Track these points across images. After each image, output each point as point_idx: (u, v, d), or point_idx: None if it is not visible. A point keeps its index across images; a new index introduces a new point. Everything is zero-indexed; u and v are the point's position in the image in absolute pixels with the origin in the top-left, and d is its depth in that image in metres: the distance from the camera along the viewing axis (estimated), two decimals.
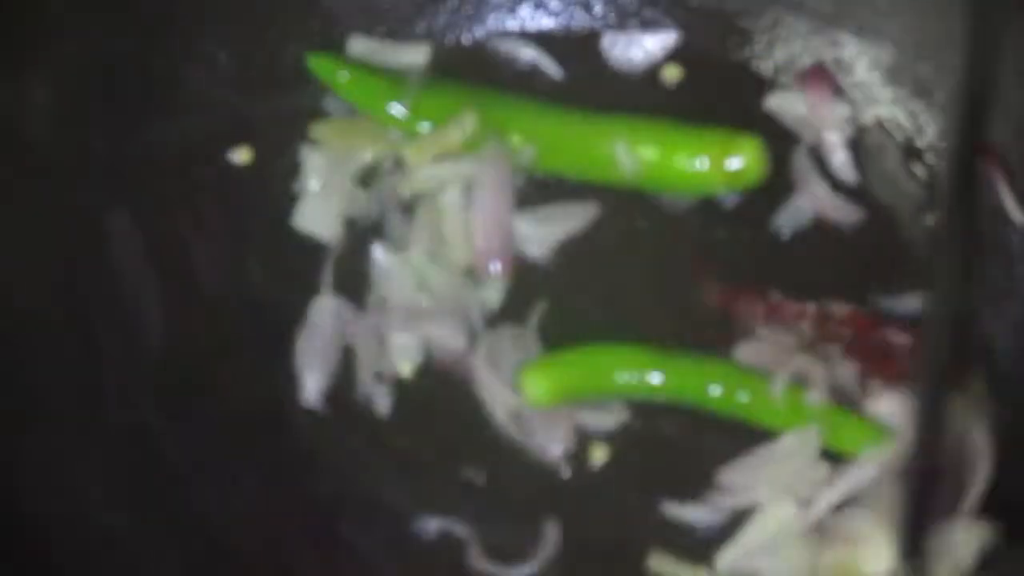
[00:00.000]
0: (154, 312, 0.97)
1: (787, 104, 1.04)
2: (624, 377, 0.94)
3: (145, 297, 0.97)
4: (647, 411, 0.94)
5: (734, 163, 0.98)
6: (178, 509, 0.92)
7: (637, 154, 0.99)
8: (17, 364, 0.91)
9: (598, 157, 1.00)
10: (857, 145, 1.03)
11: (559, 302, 0.97)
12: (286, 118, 1.03)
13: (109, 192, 0.97)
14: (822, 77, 1.04)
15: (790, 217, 1.00)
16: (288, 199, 1.01)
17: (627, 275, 1.00)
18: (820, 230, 1.00)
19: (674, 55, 1.06)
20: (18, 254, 0.93)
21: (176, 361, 0.96)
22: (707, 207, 1.01)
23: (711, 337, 0.96)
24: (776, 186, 1.01)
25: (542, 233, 1.00)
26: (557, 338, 0.96)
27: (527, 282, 0.99)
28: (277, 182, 1.02)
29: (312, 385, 0.96)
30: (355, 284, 0.99)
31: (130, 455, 0.92)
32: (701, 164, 0.98)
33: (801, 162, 1.02)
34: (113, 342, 0.95)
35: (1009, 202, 0.98)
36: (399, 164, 1.01)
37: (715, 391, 0.93)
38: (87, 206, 0.96)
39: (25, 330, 0.92)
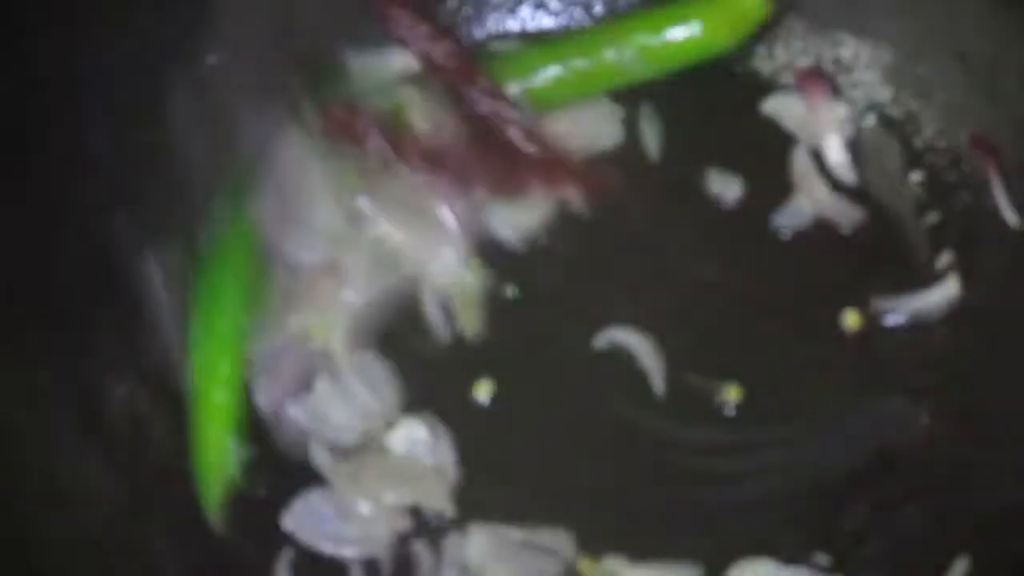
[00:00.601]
0: (154, 312, 0.97)
1: (785, 106, 1.04)
2: None
3: (145, 297, 0.97)
4: None
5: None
6: (178, 509, 0.92)
7: (636, 48, 1.01)
8: (17, 364, 0.91)
9: (602, 69, 1.02)
10: (857, 145, 1.03)
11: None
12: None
13: (109, 192, 0.97)
14: (818, 79, 1.04)
15: (790, 217, 1.00)
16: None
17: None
18: (820, 230, 1.01)
19: None
20: (18, 254, 0.93)
21: (176, 361, 0.96)
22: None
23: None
24: (776, 186, 1.01)
25: (517, 219, 1.00)
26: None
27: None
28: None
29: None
30: None
31: (130, 455, 0.92)
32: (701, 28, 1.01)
33: (801, 162, 1.02)
34: (113, 342, 0.95)
35: (1004, 203, 0.98)
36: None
37: None
38: (87, 206, 0.96)
39: (25, 330, 0.92)
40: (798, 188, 1.01)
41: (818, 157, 1.02)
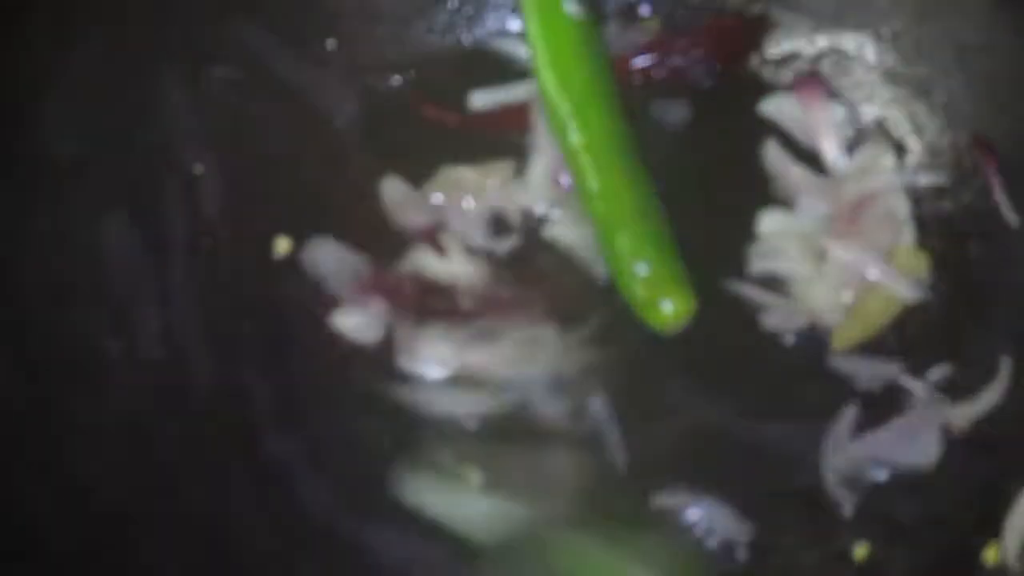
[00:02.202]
0: (153, 312, 0.97)
1: (782, 108, 1.03)
2: None
3: (145, 297, 0.97)
4: None
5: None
6: (177, 509, 0.92)
7: None
8: (16, 364, 0.91)
9: None
10: (856, 146, 1.03)
11: None
12: (287, 117, 1.03)
13: (109, 192, 0.97)
14: (814, 82, 1.04)
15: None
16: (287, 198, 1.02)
17: None
18: None
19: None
20: (18, 254, 0.93)
21: (175, 361, 0.96)
22: None
23: None
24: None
25: None
26: None
27: None
28: (279, 182, 1.02)
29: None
30: None
31: (129, 455, 0.92)
32: None
33: (773, 154, 1.02)
34: (113, 342, 0.95)
35: (1004, 203, 0.98)
36: None
37: None
38: (87, 206, 0.96)
39: (25, 330, 0.92)
40: (774, 178, 1.01)
41: (791, 145, 1.02)
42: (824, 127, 1.02)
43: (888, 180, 0.98)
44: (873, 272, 0.96)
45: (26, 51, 0.95)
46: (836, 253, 0.96)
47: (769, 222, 0.99)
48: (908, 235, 0.98)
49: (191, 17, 1.01)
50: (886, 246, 0.97)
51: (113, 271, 0.97)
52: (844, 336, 0.95)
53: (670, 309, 0.94)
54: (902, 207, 0.98)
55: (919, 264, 0.97)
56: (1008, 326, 0.96)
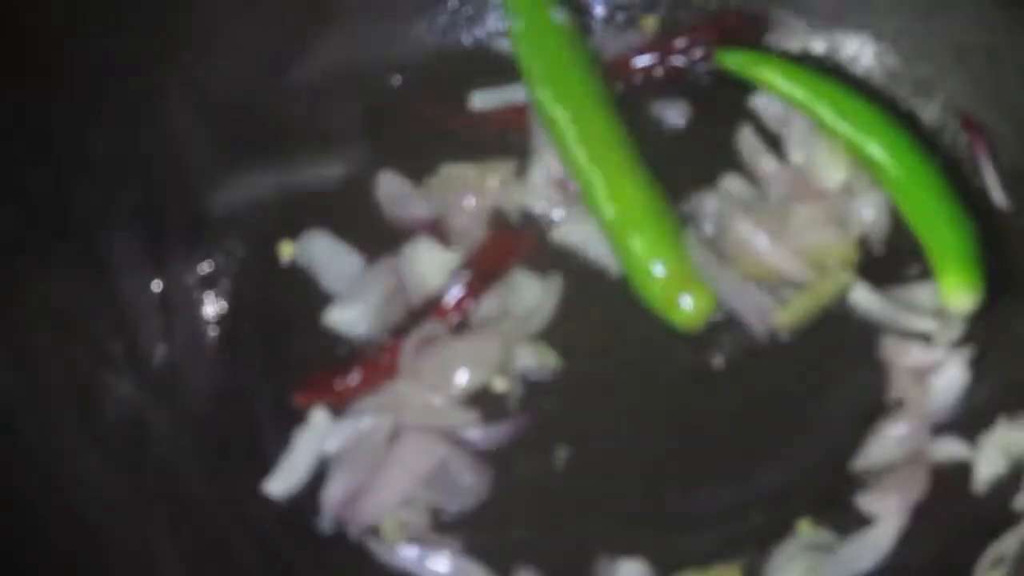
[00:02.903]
0: (154, 314, 0.97)
1: (766, 105, 1.03)
2: None
3: (145, 299, 0.97)
4: None
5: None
6: (177, 509, 0.92)
7: None
8: (17, 365, 0.91)
9: None
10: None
11: None
12: (287, 117, 1.04)
13: (109, 193, 0.97)
14: None
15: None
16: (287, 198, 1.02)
17: None
18: None
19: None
20: (18, 255, 0.93)
21: (175, 363, 0.96)
22: None
23: None
24: None
25: None
26: None
27: None
28: (279, 182, 1.02)
29: None
30: None
31: (129, 455, 0.93)
32: None
33: (747, 141, 1.02)
34: (113, 344, 0.95)
35: (994, 185, 0.98)
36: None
37: None
38: (87, 207, 0.97)
39: (25, 331, 0.92)
40: (747, 165, 1.01)
41: (765, 134, 1.02)
42: (806, 126, 1.02)
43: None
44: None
45: (28, 50, 0.94)
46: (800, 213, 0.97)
47: (732, 183, 1.00)
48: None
49: (191, 17, 1.01)
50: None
51: (114, 273, 0.97)
52: (791, 312, 0.95)
53: (691, 306, 0.94)
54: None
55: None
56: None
